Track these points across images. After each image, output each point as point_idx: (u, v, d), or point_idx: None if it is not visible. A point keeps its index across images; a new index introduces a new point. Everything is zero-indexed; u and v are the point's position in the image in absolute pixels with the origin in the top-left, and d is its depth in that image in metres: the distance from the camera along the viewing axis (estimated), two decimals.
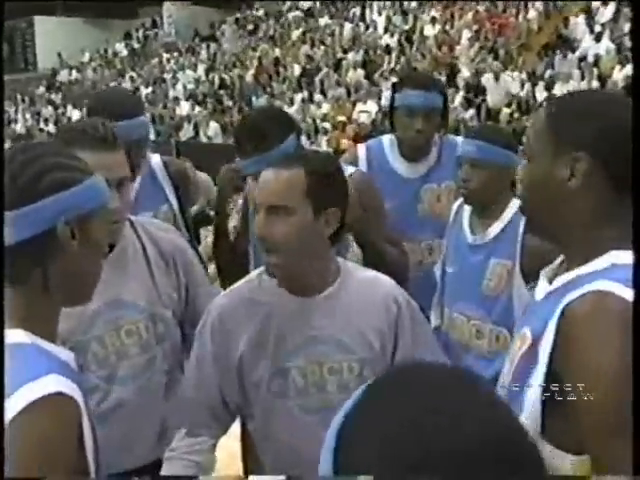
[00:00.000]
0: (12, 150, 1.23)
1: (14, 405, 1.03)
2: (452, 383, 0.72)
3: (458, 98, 13.55)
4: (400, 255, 2.41)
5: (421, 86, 2.68)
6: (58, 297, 1.23)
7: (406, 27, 17.92)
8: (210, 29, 24.45)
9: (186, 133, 17.91)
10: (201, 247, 2.78)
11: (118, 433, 1.84)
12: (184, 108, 19.15)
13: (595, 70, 12.66)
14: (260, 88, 18.34)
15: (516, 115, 12.82)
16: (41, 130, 21.35)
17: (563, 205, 1.24)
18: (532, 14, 15.49)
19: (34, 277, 1.19)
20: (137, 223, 2.02)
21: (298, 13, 21.82)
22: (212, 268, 3.11)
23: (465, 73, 14.43)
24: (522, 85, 13.55)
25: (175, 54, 23.72)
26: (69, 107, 22.94)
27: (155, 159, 2.65)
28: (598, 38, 13.37)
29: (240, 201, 2.52)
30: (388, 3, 19.25)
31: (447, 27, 16.87)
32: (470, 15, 16.75)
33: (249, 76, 19.34)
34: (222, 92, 19.31)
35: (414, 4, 18.70)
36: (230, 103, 18.49)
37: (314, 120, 15.28)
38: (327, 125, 14.81)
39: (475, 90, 13.86)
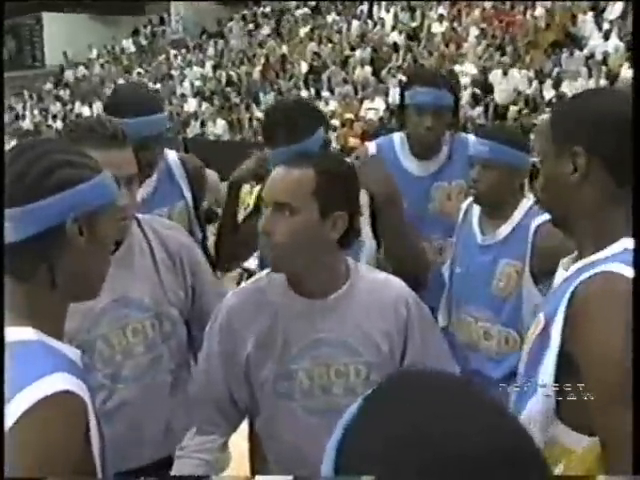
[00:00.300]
0: (20, 147, 1.23)
1: (20, 403, 1.03)
2: (458, 389, 0.72)
3: (465, 96, 13.51)
4: (423, 250, 2.38)
5: (431, 83, 2.66)
6: (65, 293, 1.23)
7: (413, 24, 17.87)
8: (217, 26, 24.43)
9: (193, 130, 17.91)
10: (208, 244, 2.78)
11: (123, 432, 1.83)
12: (191, 105, 19.16)
13: (603, 68, 12.60)
14: (267, 85, 18.33)
15: (524, 112, 12.78)
16: (49, 127, 21.38)
17: (571, 198, 1.36)
18: (539, 11, 15.43)
19: (40, 273, 1.19)
20: (144, 221, 2.01)
21: (306, 10, 21.79)
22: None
23: (472, 70, 14.39)
24: (530, 83, 13.51)
25: (182, 51, 23.72)
26: (77, 103, 22.97)
27: (172, 156, 2.64)
28: (606, 36, 13.31)
29: (257, 187, 2.50)
30: (396, 0, 19.22)
31: (454, 24, 16.82)
32: (477, 12, 16.69)
33: (256, 73, 19.33)
34: (229, 89, 19.31)
35: (421, 2, 18.66)
36: (237, 100, 18.49)
37: None
38: (334, 122, 14.79)
39: (482, 88, 13.82)
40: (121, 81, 22.05)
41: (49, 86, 25.85)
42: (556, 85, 12.90)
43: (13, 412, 1.03)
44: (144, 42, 26.56)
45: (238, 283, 6.83)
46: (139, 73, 22.73)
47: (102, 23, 27.89)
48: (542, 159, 1.43)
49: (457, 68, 14.08)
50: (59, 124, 21.28)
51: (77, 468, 1.07)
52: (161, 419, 1.95)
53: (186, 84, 20.74)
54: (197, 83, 20.65)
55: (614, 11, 13.85)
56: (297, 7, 22.33)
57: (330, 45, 18.80)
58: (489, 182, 2.38)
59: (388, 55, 16.88)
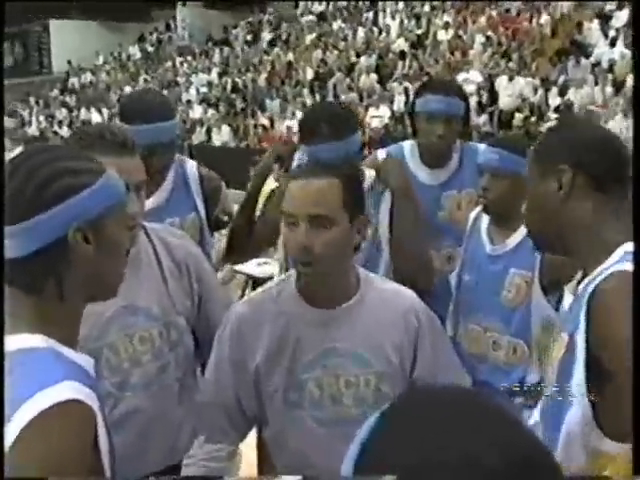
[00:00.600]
0: (17, 158, 1.21)
1: (27, 412, 1.02)
2: (474, 404, 0.72)
3: (471, 103, 13.50)
4: (429, 255, 2.45)
5: (442, 91, 2.64)
6: (77, 301, 1.21)
7: (419, 32, 17.90)
8: (223, 33, 24.52)
9: (198, 136, 17.96)
10: (213, 251, 2.78)
11: (130, 440, 1.82)
12: (197, 111, 19.22)
13: (610, 76, 12.60)
14: (273, 92, 18.38)
15: (530, 120, 12.77)
16: (55, 133, 21.46)
17: (558, 216, 1.40)
18: (545, 19, 15.44)
19: (48, 287, 1.17)
20: (150, 229, 2.00)
21: (311, 17, 21.85)
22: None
23: (478, 78, 14.39)
24: (535, 90, 13.51)
25: (188, 57, 23.82)
26: (83, 110, 23.05)
27: (191, 167, 2.62)
28: (613, 43, 13.31)
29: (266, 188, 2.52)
30: (401, 7, 19.26)
31: (460, 32, 16.84)
32: (483, 20, 16.72)
33: (262, 80, 19.38)
34: (235, 96, 19.36)
35: (427, 9, 18.69)
36: (243, 107, 18.54)
37: None
38: None
39: (488, 95, 13.83)
40: (127, 88, 22.18)
41: (55, 92, 25.96)
42: (562, 93, 12.89)
43: (20, 421, 1.02)
44: (150, 49, 26.69)
45: (243, 290, 6.82)
46: (145, 80, 22.84)
47: (108, 30, 28.04)
48: (527, 182, 1.48)
49: (463, 75, 14.08)
50: (65, 130, 21.35)
51: (84, 475, 1.06)
52: (168, 427, 1.95)
53: (192, 91, 20.82)
54: (203, 90, 20.72)
55: (620, 19, 13.85)
56: (302, 14, 22.40)
57: (336, 52, 18.85)
58: (499, 191, 2.37)
59: (393, 62, 16.91)
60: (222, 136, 17.59)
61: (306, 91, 17.45)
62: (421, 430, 0.68)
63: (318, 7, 22.41)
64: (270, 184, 2.67)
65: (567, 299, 1.43)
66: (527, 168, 1.50)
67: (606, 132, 1.48)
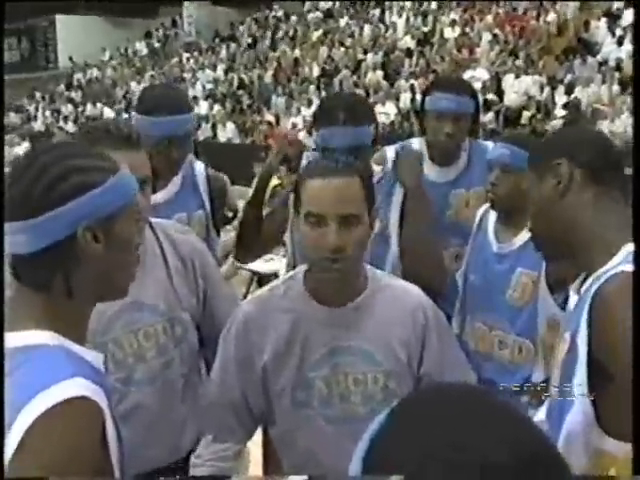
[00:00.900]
0: (29, 155, 1.21)
1: (34, 409, 1.02)
2: (482, 401, 0.73)
3: None
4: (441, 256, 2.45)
5: (452, 89, 2.64)
6: (86, 299, 1.21)
7: (426, 29, 17.88)
8: (230, 29, 24.52)
9: (204, 133, 17.96)
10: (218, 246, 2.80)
11: (134, 435, 1.82)
12: (203, 108, 19.22)
13: (617, 74, 12.56)
14: (279, 88, 18.37)
15: (537, 117, 12.75)
16: (60, 128, 21.49)
17: (563, 212, 1.41)
18: (552, 17, 15.40)
19: (57, 284, 1.16)
20: (156, 225, 2.00)
21: (318, 14, 21.84)
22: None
23: (484, 76, 14.37)
24: (542, 88, 13.48)
25: (195, 53, 23.82)
26: (89, 105, 23.09)
27: (199, 168, 2.65)
28: (620, 41, 13.27)
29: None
30: (408, 5, 19.22)
31: (467, 29, 16.81)
32: (490, 18, 16.68)
33: (268, 77, 19.38)
34: (241, 92, 19.36)
35: (434, 6, 18.66)
36: (249, 103, 18.54)
37: None
38: None
39: (495, 93, 13.80)
40: (133, 84, 22.20)
41: (61, 88, 25.99)
42: (569, 91, 12.86)
43: (26, 419, 1.02)
44: (157, 45, 26.71)
45: (248, 287, 6.82)
46: (151, 76, 22.84)
47: (115, 25, 28.07)
48: (529, 192, 1.51)
49: (469, 73, 14.06)
50: (70, 126, 21.38)
51: (91, 472, 1.05)
52: (172, 423, 1.95)
53: (198, 87, 20.83)
54: (209, 86, 20.73)
55: (628, 16, 13.79)
56: (309, 11, 22.39)
57: (342, 49, 18.84)
58: (508, 187, 2.36)
59: (400, 60, 16.89)
60: (227, 132, 17.59)
61: (312, 88, 17.44)
62: (429, 427, 0.69)
63: (325, 4, 22.39)
64: (272, 181, 2.68)
65: (572, 298, 1.41)
66: (526, 180, 1.54)
67: (592, 128, 1.54)
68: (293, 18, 22.60)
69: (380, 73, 16.67)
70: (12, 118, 23.10)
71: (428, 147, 2.76)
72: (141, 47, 26.70)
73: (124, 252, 1.23)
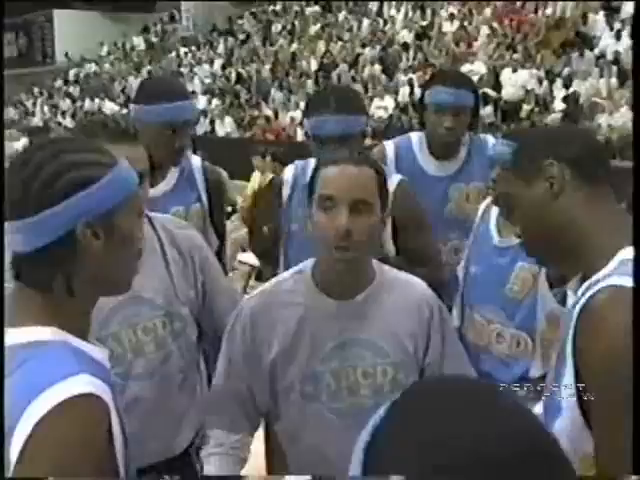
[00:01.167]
0: (26, 151, 1.20)
1: (42, 406, 1.01)
2: (484, 394, 0.73)
3: None
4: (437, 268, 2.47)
5: (452, 83, 2.64)
6: (88, 296, 1.20)
7: (424, 23, 17.85)
8: (228, 23, 24.46)
9: (202, 127, 17.94)
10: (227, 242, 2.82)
11: (133, 429, 1.82)
12: (201, 102, 19.19)
13: (614, 68, 12.55)
14: (277, 83, 18.34)
15: (535, 111, 12.75)
16: (59, 123, 21.47)
17: (556, 216, 1.35)
18: (550, 10, 15.38)
19: (57, 282, 1.15)
20: (155, 219, 2.00)
21: (316, 8, 21.79)
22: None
23: (482, 69, 14.36)
24: (540, 82, 13.47)
25: (192, 48, 23.76)
26: (87, 100, 23.05)
27: (196, 162, 2.66)
28: (618, 35, 13.25)
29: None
30: None
31: (465, 23, 16.79)
32: (488, 11, 16.66)
33: (266, 71, 19.35)
34: (239, 87, 19.33)
35: (432, 0, 18.63)
36: (247, 97, 18.51)
37: None
38: None
39: (493, 87, 13.80)
40: (131, 78, 22.16)
41: (59, 83, 25.95)
42: (566, 85, 12.86)
43: (32, 415, 1.01)
44: (154, 39, 26.63)
45: (246, 281, 6.82)
46: (149, 70, 22.79)
47: (112, 20, 28.00)
48: (516, 197, 1.44)
49: (467, 67, 14.04)
50: (68, 120, 21.36)
51: (98, 469, 1.05)
52: (170, 417, 1.95)
53: (196, 81, 20.78)
54: (207, 81, 20.69)
55: (626, 10, 13.78)
56: (307, 5, 22.33)
57: (340, 43, 18.81)
58: (509, 184, 2.36)
59: (398, 54, 16.87)
60: (225, 127, 17.57)
61: (310, 82, 17.42)
62: (430, 419, 0.69)
63: None
64: (255, 179, 2.69)
65: (570, 299, 1.40)
66: (508, 184, 1.48)
67: (572, 125, 1.50)
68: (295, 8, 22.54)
69: (378, 67, 16.65)
70: (10, 113, 23.09)
71: (428, 141, 2.76)
72: (139, 42, 26.61)
73: (125, 247, 1.21)
